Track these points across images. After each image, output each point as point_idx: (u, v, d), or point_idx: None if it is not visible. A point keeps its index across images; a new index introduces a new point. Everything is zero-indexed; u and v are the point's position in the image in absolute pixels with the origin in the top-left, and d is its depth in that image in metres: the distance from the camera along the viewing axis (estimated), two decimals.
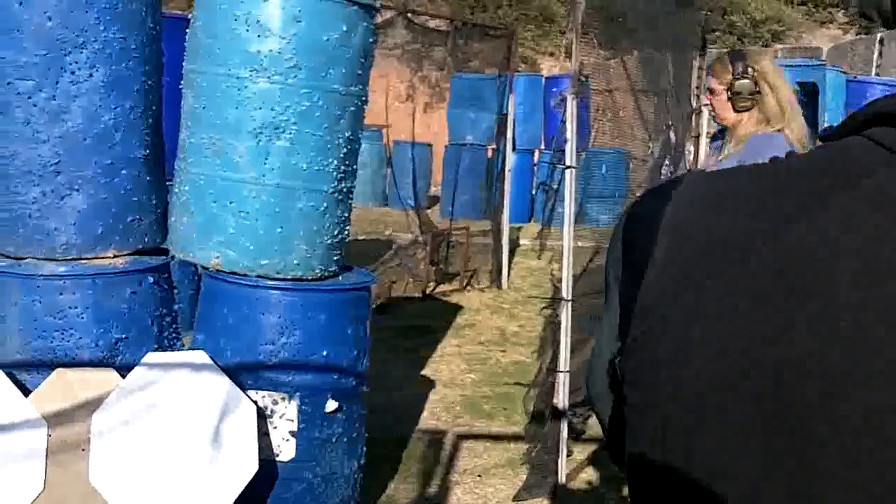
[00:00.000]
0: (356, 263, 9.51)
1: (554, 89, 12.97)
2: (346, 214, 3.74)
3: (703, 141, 6.05)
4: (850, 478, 0.67)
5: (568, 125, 4.24)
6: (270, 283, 3.54)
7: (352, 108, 3.61)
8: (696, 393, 0.73)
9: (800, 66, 8.11)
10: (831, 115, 8.01)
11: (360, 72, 3.62)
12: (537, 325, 7.82)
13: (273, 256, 3.52)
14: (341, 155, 3.60)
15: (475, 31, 8.16)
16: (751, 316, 0.71)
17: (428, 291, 8.65)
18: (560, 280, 4.41)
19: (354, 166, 3.74)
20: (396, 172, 13.67)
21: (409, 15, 7.02)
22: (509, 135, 8.74)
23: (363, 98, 3.70)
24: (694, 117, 6.13)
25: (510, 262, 9.44)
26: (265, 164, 3.47)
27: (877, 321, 0.66)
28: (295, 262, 3.56)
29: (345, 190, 3.68)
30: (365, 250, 9.56)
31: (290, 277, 3.57)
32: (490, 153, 12.97)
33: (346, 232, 3.77)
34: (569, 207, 4.15)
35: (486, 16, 18.72)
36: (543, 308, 8.01)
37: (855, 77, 9.67)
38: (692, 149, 6.21)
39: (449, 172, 12.97)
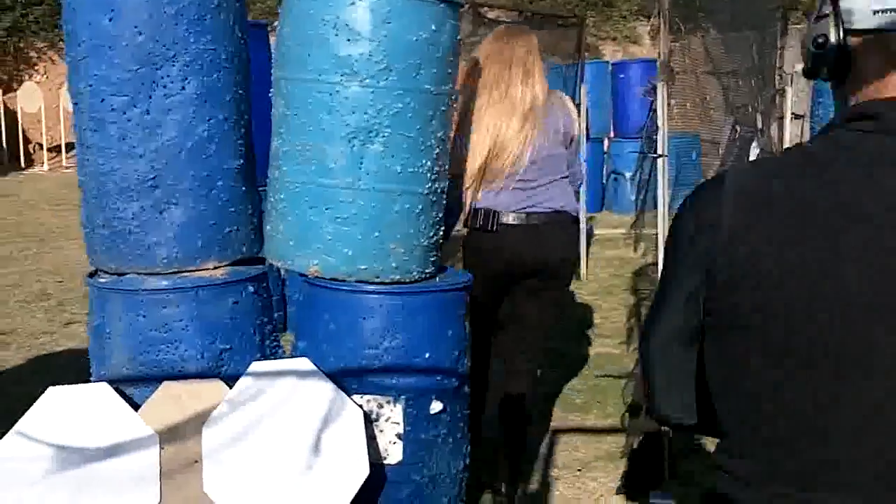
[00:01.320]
0: None
1: (622, 75, 12.79)
2: (441, 215, 3.68)
3: (787, 122, 5.88)
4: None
5: (659, 113, 4.13)
6: (370, 287, 3.50)
7: (442, 108, 3.55)
8: (765, 288, 1.18)
9: None
10: None
11: (449, 70, 3.55)
12: (621, 315, 7.70)
13: (371, 261, 3.48)
14: (434, 155, 3.54)
15: (545, 21, 8.04)
16: (800, 232, 1.16)
17: None
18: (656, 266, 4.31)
19: (447, 166, 3.68)
20: None
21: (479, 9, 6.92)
22: (583, 124, 8.62)
23: (453, 97, 3.63)
24: (778, 98, 5.96)
25: (587, 252, 9.32)
26: (360, 168, 3.42)
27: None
28: (393, 265, 3.51)
29: (439, 190, 3.62)
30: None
31: (388, 281, 3.53)
32: None
33: (441, 233, 3.71)
34: (663, 195, 4.05)
35: (547, 3, 18.52)
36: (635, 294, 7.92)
37: None
38: (777, 130, 6.05)
39: None
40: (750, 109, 5.87)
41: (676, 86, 4.68)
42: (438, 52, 3.47)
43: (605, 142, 13.52)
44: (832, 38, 1.32)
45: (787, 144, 5.84)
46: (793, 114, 6.33)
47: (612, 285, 8.77)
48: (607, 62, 14.23)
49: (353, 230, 3.46)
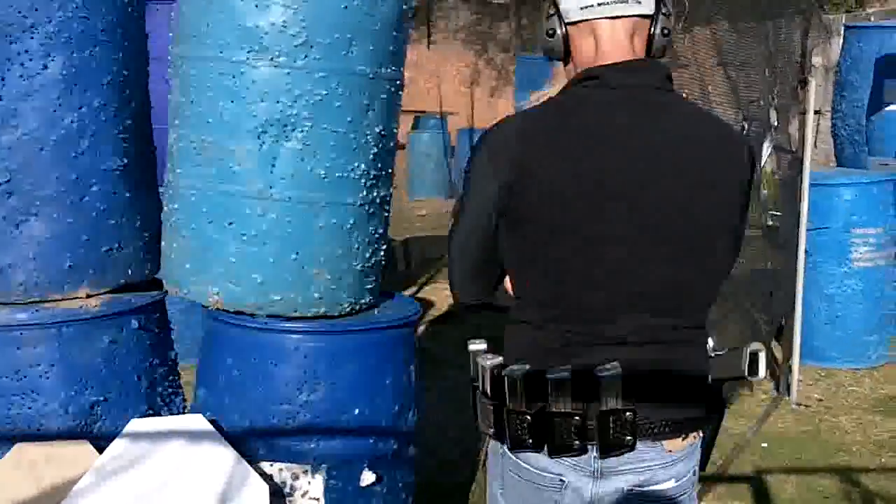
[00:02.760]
0: (419, 262, 8.71)
1: None
2: (382, 231, 2.89)
3: (811, 118, 5.07)
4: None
5: None
6: (286, 324, 2.72)
7: (382, 96, 2.75)
8: (542, 192, 1.69)
9: None
10: None
11: (392, 48, 2.76)
12: None
13: (287, 290, 2.69)
14: (370, 156, 2.75)
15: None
16: (568, 165, 1.69)
17: None
18: None
19: (389, 169, 2.89)
20: (461, 163, 12.81)
21: None
22: None
23: (398, 82, 2.84)
24: (800, 90, 5.15)
25: None
26: (272, 172, 2.64)
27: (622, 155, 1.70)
28: (316, 295, 2.73)
29: (378, 200, 2.83)
30: (430, 248, 8.74)
31: (310, 316, 2.74)
32: None
33: (383, 252, 2.92)
34: None
35: None
36: None
37: None
38: (799, 125, 5.24)
39: None
40: (762, 104, 5.08)
41: (679, 79, 3.88)
42: (376, 24, 2.67)
43: None
44: (558, 30, 1.79)
45: (809, 143, 5.03)
46: (816, 110, 5.54)
47: None
48: None
49: (265, 251, 2.67)
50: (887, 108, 7.38)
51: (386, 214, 2.93)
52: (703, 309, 1.79)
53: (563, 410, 1.65)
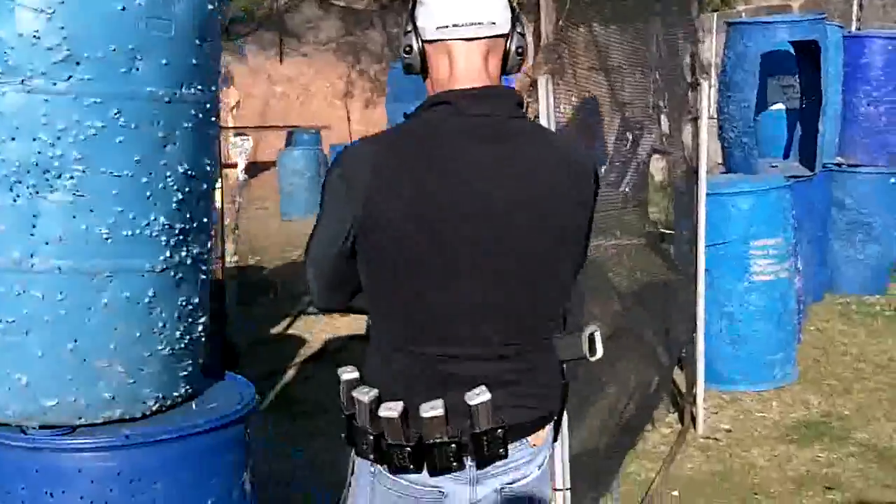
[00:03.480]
0: (290, 290, 7.98)
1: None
2: (198, 299, 2.19)
3: (704, 123, 4.57)
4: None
5: (542, 116, 2.76)
6: (65, 440, 2.00)
7: (186, 125, 2.06)
8: (394, 229, 1.70)
9: (797, 21, 6.65)
10: (832, 75, 6.60)
11: (195, 61, 2.07)
12: None
13: (65, 391, 1.98)
14: (173, 205, 2.05)
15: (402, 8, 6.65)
16: (415, 190, 1.69)
17: None
18: None
19: (204, 218, 2.20)
20: None
21: None
22: None
23: (208, 105, 2.15)
24: (690, 94, 4.64)
25: None
26: (33, 235, 1.92)
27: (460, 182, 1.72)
28: (106, 395, 2.02)
29: (189, 260, 2.13)
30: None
31: (101, 422, 2.03)
32: None
33: (202, 326, 2.23)
34: None
35: None
36: None
37: (850, 32, 8.27)
38: (690, 132, 4.73)
39: None
40: (648, 109, 4.55)
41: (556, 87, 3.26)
42: (170, 30, 1.98)
43: None
44: (415, 46, 1.78)
45: (703, 151, 4.53)
46: (710, 115, 5.07)
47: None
48: None
49: (28, 342, 1.95)
50: (772, 107, 7.02)
51: (204, 277, 2.23)
52: (549, 322, 1.86)
53: (440, 441, 1.72)
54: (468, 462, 1.75)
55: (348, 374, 1.80)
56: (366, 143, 1.82)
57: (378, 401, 1.73)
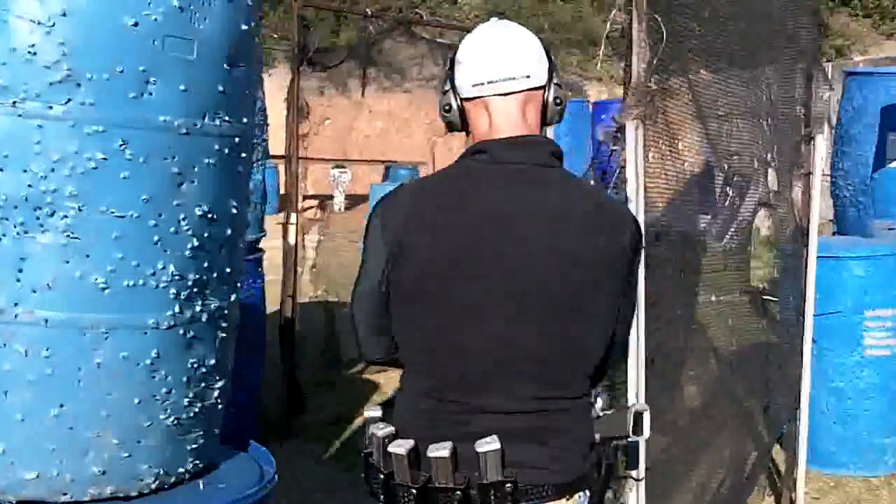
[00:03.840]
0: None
1: (603, 116, 11.05)
2: (216, 360, 1.89)
3: (817, 180, 4.13)
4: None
5: (630, 167, 2.40)
6: None
7: (208, 161, 1.78)
8: (419, 267, 1.70)
9: None
10: None
11: (221, 88, 1.79)
12: None
13: (48, 463, 1.70)
14: (186, 252, 1.76)
15: None
16: (443, 236, 1.69)
17: None
18: None
19: (228, 268, 1.91)
20: None
21: (413, 27, 5.23)
22: None
23: (237, 139, 1.86)
24: (803, 147, 4.20)
25: None
26: (19, 281, 1.65)
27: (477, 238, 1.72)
28: (96, 469, 1.73)
29: (204, 317, 1.83)
30: None
31: (87, 499, 1.74)
32: None
33: (218, 392, 1.93)
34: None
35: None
36: None
37: None
38: (800, 188, 4.28)
39: None
40: (753, 160, 4.13)
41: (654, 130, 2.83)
42: (190, 50, 1.71)
43: None
44: (454, 105, 1.82)
45: (815, 210, 4.09)
46: (824, 172, 4.62)
47: None
48: (587, 101, 12.42)
49: (7, 403, 1.68)
50: (891, 164, 6.48)
51: (224, 335, 1.93)
52: (580, 377, 1.79)
53: (445, 486, 1.68)
54: None
55: (372, 411, 1.80)
56: (404, 187, 1.85)
57: (393, 437, 1.72)
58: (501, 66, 1.77)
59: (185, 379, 1.82)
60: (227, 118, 1.82)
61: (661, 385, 3.20)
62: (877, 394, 4.66)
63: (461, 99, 1.80)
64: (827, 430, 4.62)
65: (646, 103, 2.36)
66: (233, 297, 1.94)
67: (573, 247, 1.73)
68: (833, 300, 4.56)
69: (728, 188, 3.78)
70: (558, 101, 1.81)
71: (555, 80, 1.81)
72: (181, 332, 1.79)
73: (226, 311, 1.92)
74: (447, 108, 1.82)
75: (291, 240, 4.97)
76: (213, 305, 1.86)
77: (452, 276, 1.71)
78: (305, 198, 17.45)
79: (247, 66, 1.87)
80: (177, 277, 1.75)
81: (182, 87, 1.71)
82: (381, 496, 1.73)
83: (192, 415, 1.85)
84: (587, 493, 1.79)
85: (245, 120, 1.89)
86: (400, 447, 1.68)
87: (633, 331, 2.69)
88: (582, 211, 1.77)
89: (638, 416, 1.83)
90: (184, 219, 1.75)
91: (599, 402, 1.84)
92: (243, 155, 1.91)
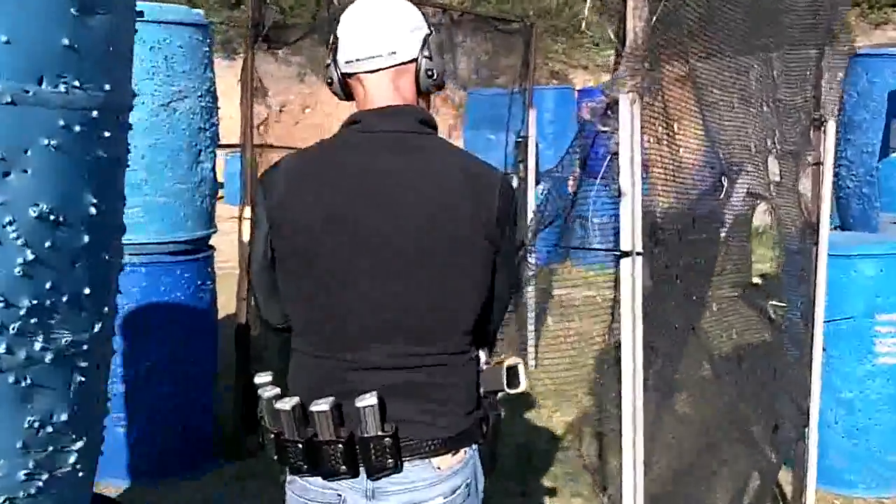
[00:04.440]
0: None
1: (588, 101, 10.53)
2: (67, 413, 1.39)
3: (829, 170, 3.65)
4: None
5: (623, 149, 1.90)
6: None
7: (50, 141, 1.27)
8: (297, 234, 1.76)
9: None
10: None
11: (68, 42, 1.28)
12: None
13: None
14: (15, 269, 1.26)
15: (480, 25, 5.85)
16: (315, 202, 1.75)
17: None
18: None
19: (87, 289, 1.40)
20: None
21: None
22: (531, 161, 6.39)
23: (100, 111, 1.35)
24: (812, 133, 3.71)
25: (538, 326, 6.88)
26: None
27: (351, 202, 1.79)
28: None
29: (48, 357, 1.33)
30: None
31: None
32: (516, 182, 10.59)
33: (76, 460, 1.42)
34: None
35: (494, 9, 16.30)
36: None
37: None
38: (808, 179, 3.80)
39: None
40: (753, 149, 3.63)
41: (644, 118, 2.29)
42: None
43: (571, 182, 11.15)
44: (335, 78, 1.88)
45: (826, 203, 3.61)
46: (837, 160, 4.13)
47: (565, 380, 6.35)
48: (572, 88, 11.88)
49: None
50: None
51: (83, 379, 1.42)
52: (457, 334, 1.83)
53: (328, 439, 1.74)
54: (361, 470, 1.76)
55: (260, 377, 1.85)
56: (286, 158, 1.90)
57: (280, 397, 1.78)
58: (368, 43, 1.84)
59: (19, 443, 1.31)
60: (77, 83, 1.30)
61: (657, 400, 2.74)
62: (889, 406, 4.19)
63: (340, 73, 1.87)
64: (835, 445, 4.14)
65: (644, 72, 1.88)
66: (97, 328, 1.43)
67: (439, 210, 1.79)
68: (841, 303, 4.07)
69: (724, 178, 3.29)
70: (430, 72, 1.86)
71: (425, 53, 1.86)
72: (12, 378, 1.28)
73: (86, 347, 1.40)
74: (329, 80, 1.90)
75: (246, 236, 4.45)
76: (63, 340, 1.35)
77: (325, 241, 1.78)
78: None
79: (110, 12, 1.36)
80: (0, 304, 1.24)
81: (3, 39, 1.20)
82: (275, 456, 1.79)
83: (33, 491, 1.34)
84: (474, 447, 1.86)
85: (108, 87, 1.38)
86: (285, 404, 1.75)
87: (628, 341, 2.24)
88: (449, 176, 1.82)
89: (511, 370, 1.89)
90: (10, 223, 1.24)
91: (483, 357, 1.90)
92: (108, 134, 1.39)
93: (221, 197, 15.91)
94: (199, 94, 4.16)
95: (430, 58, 1.86)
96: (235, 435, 4.57)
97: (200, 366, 4.35)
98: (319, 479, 1.78)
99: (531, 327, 6.79)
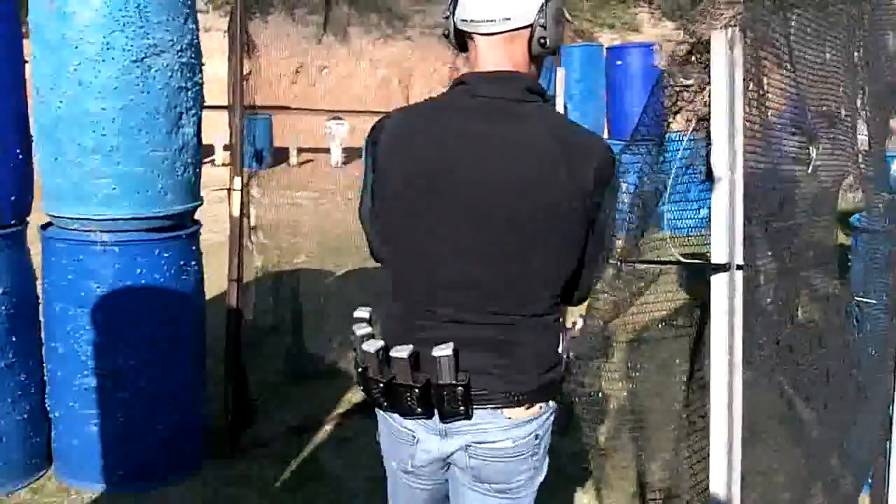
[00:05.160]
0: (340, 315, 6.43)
1: (619, 62, 9.77)
2: None
3: None
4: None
5: (719, 99, 1.28)
6: None
7: None
8: (394, 186, 1.87)
9: None
10: None
11: None
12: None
13: None
14: None
15: None
16: (417, 158, 1.84)
17: None
18: None
19: None
20: None
21: None
22: None
23: None
24: None
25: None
26: None
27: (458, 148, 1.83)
28: None
29: None
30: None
31: None
32: None
33: None
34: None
35: None
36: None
37: None
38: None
39: None
40: (835, 120, 2.95)
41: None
42: None
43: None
44: (451, 30, 1.94)
45: None
46: None
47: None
48: (600, 46, 11.01)
49: None
50: None
51: None
52: (539, 298, 1.89)
53: (405, 383, 1.86)
54: (435, 412, 1.88)
55: (359, 311, 1.96)
56: (394, 112, 1.96)
57: (370, 337, 1.90)
58: (484, 6, 1.86)
59: None
60: None
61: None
62: None
63: (455, 28, 1.93)
64: None
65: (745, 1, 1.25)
66: None
67: (531, 177, 1.82)
68: None
69: (811, 148, 2.63)
70: (542, 40, 1.86)
71: (541, 21, 1.86)
72: None
73: None
74: (445, 32, 1.96)
75: (236, 210, 3.85)
76: None
77: (420, 197, 1.86)
78: (300, 151, 16.30)
79: None
80: None
81: None
82: (361, 387, 1.94)
83: None
84: (550, 405, 1.95)
85: None
86: (371, 346, 1.88)
87: (722, 384, 1.71)
88: (544, 144, 1.83)
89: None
90: None
91: (579, 323, 2.06)
92: None
93: (212, 160, 15.00)
94: (179, 48, 3.55)
95: (544, 26, 1.86)
96: (226, 432, 4.01)
97: (184, 356, 3.77)
98: (397, 415, 1.93)
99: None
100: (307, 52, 16.01)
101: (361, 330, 1.90)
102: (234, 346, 3.95)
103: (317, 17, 15.12)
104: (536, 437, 1.94)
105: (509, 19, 1.84)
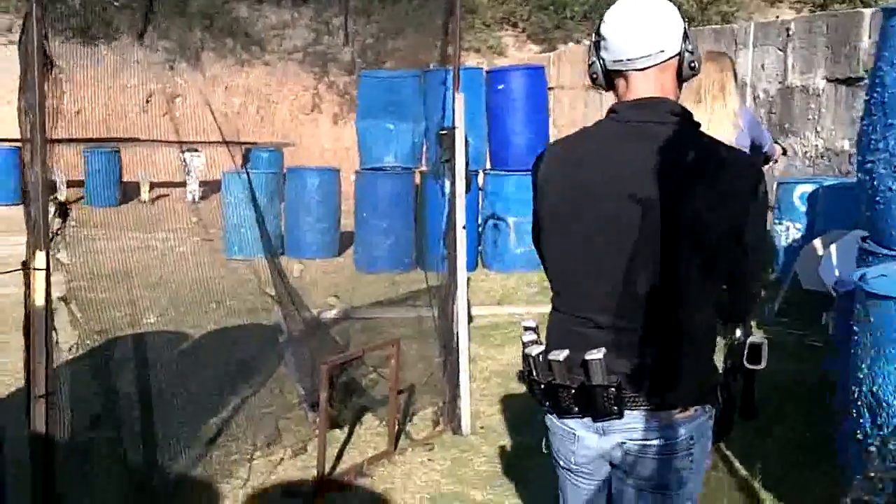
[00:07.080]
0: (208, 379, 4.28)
1: (500, 86, 8.86)
2: None
3: None
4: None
5: None
6: None
7: None
8: (550, 207, 2.12)
9: None
10: None
11: None
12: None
13: None
14: None
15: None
16: (567, 180, 2.08)
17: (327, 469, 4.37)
18: None
19: None
20: (289, 210, 9.53)
21: None
22: (459, 158, 4.71)
23: None
24: None
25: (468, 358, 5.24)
26: None
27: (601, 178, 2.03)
28: None
29: None
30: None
31: None
32: (418, 178, 8.90)
33: None
34: None
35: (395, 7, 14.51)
36: None
37: None
38: None
39: (364, 207, 8.87)
40: None
41: None
42: None
43: (480, 176, 9.41)
44: (600, 73, 2.13)
45: None
46: None
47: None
48: (480, 69, 10.12)
49: None
50: None
51: None
52: (683, 307, 2.00)
53: (561, 383, 2.05)
54: (588, 413, 2.05)
55: (528, 322, 2.20)
56: (552, 143, 2.28)
57: (534, 343, 2.13)
58: (637, 44, 2.03)
59: None
60: None
61: None
62: None
63: (604, 69, 2.11)
64: None
65: None
66: None
67: (668, 194, 1.94)
68: None
69: None
70: (692, 64, 2.07)
71: (688, 47, 2.06)
72: None
73: None
74: (594, 76, 2.13)
75: (40, 297, 2.66)
76: None
77: (570, 217, 2.07)
78: (153, 185, 14.78)
79: None
80: None
81: None
82: (530, 392, 2.13)
83: None
84: (706, 409, 2.08)
85: None
86: (533, 350, 2.09)
87: None
88: (684, 162, 1.98)
89: (755, 347, 2.12)
90: None
91: (738, 333, 2.16)
92: None
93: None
94: None
95: (691, 52, 2.07)
96: None
97: None
98: (556, 416, 2.14)
99: (465, 361, 5.24)
100: (158, 80, 14.65)
101: (527, 336, 2.13)
102: (45, 484, 2.75)
103: (166, 42, 13.79)
104: (691, 437, 2.06)
105: (663, 51, 2.04)
